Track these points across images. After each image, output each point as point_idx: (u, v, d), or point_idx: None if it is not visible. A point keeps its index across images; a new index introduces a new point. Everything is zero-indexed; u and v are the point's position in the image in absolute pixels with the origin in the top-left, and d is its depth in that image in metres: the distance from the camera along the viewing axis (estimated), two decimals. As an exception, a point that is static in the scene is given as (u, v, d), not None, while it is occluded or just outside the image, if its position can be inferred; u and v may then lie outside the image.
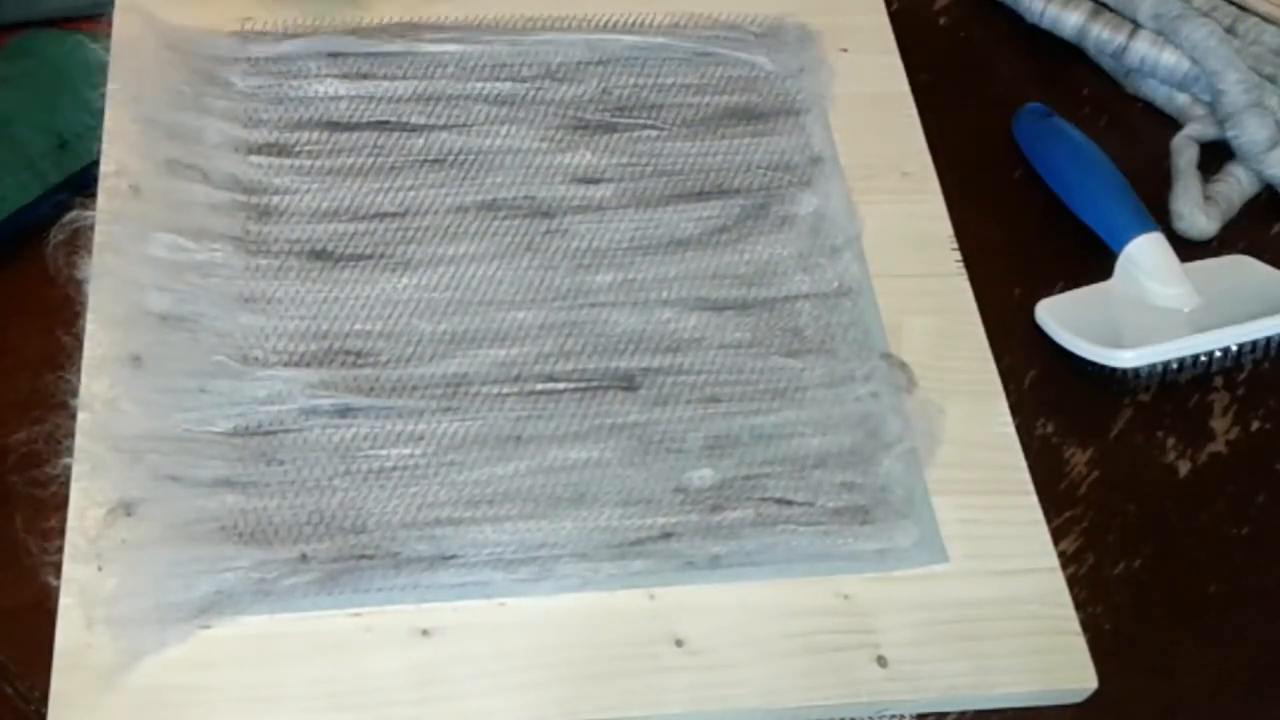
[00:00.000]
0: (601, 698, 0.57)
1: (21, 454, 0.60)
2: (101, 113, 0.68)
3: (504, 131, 0.71)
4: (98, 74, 0.69)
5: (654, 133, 0.73)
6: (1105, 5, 0.81)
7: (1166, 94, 0.81)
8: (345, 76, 0.71)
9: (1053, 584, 0.62)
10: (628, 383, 0.65)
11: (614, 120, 0.73)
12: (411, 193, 0.69)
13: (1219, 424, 0.71)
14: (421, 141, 0.70)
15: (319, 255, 0.66)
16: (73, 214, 0.64)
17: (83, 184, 0.66)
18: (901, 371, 0.66)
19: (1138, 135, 0.81)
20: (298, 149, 0.69)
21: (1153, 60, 0.79)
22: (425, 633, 0.57)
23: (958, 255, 0.71)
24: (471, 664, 0.57)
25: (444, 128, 0.71)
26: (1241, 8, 0.82)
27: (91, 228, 0.64)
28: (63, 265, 0.64)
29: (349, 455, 0.61)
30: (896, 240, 0.71)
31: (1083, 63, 0.83)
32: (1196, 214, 0.75)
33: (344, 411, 0.62)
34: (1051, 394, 0.70)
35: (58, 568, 0.57)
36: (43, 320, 0.63)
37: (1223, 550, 0.67)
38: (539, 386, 0.64)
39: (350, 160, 0.69)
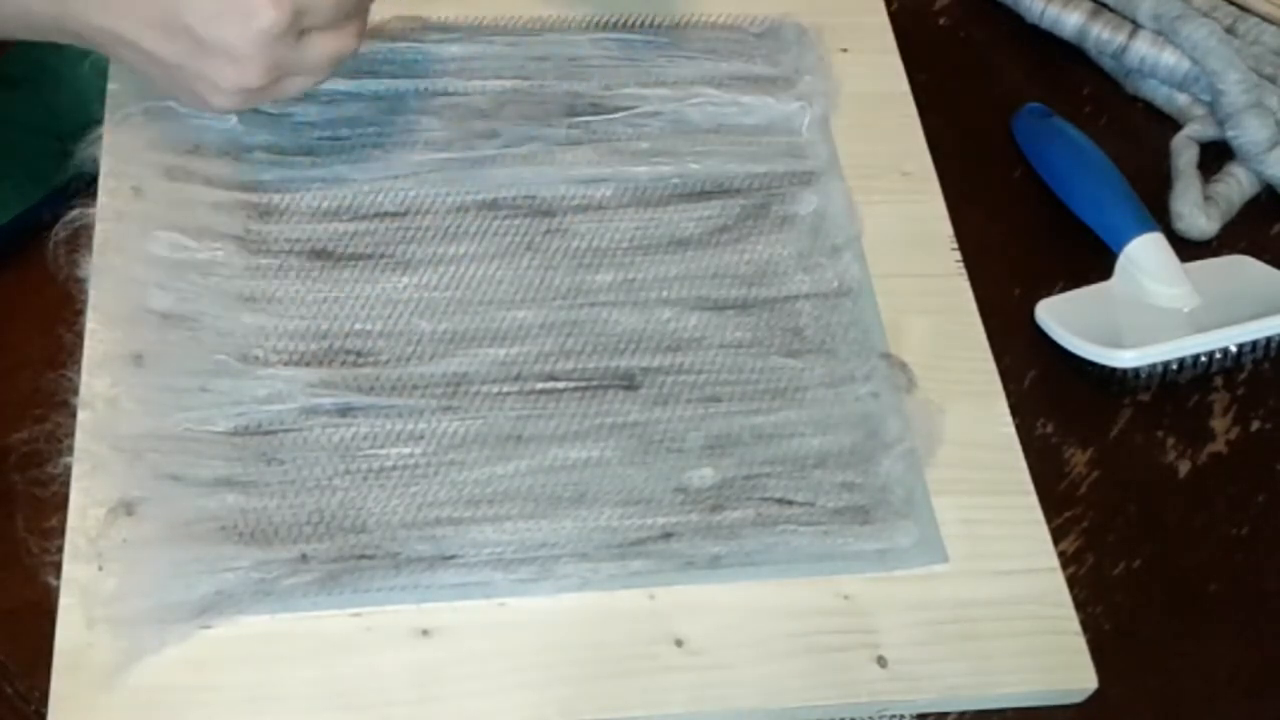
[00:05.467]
0: (601, 698, 0.57)
1: (22, 453, 0.60)
2: (102, 114, 0.68)
3: (505, 130, 0.71)
4: (98, 76, 0.69)
5: (655, 131, 0.73)
6: (1105, 5, 0.82)
7: (1166, 94, 0.81)
8: (347, 75, 0.71)
9: (1053, 584, 0.62)
10: (628, 382, 0.65)
11: (615, 119, 0.73)
12: (412, 192, 0.69)
13: (1219, 424, 0.71)
14: (422, 140, 0.70)
15: (320, 254, 0.66)
16: (74, 213, 0.64)
17: (84, 186, 0.66)
18: (901, 371, 0.66)
19: (1138, 135, 0.81)
20: (301, 147, 0.69)
21: (1153, 60, 0.79)
22: (425, 633, 0.57)
23: (958, 255, 0.71)
24: (471, 664, 0.57)
25: (445, 127, 0.71)
26: (1241, 8, 0.82)
27: (92, 226, 0.64)
28: (64, 264, 0.64)
29: (349, 455, 0.61)
30: (896, 240, 0.71)
31: (1083, 63, 0.83)
32: (1196, 214, 0.75)
33: (344, 411, 0.62)
34: (1051, 394, 0.70)
35: (58, 567, 0.57)
36: (44, 318, 0.63)
37: (1223, 550, 0.67)
38: (539, 386, 0.64)
39: (351, 159, 0.69)
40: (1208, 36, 0.77)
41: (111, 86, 0.69)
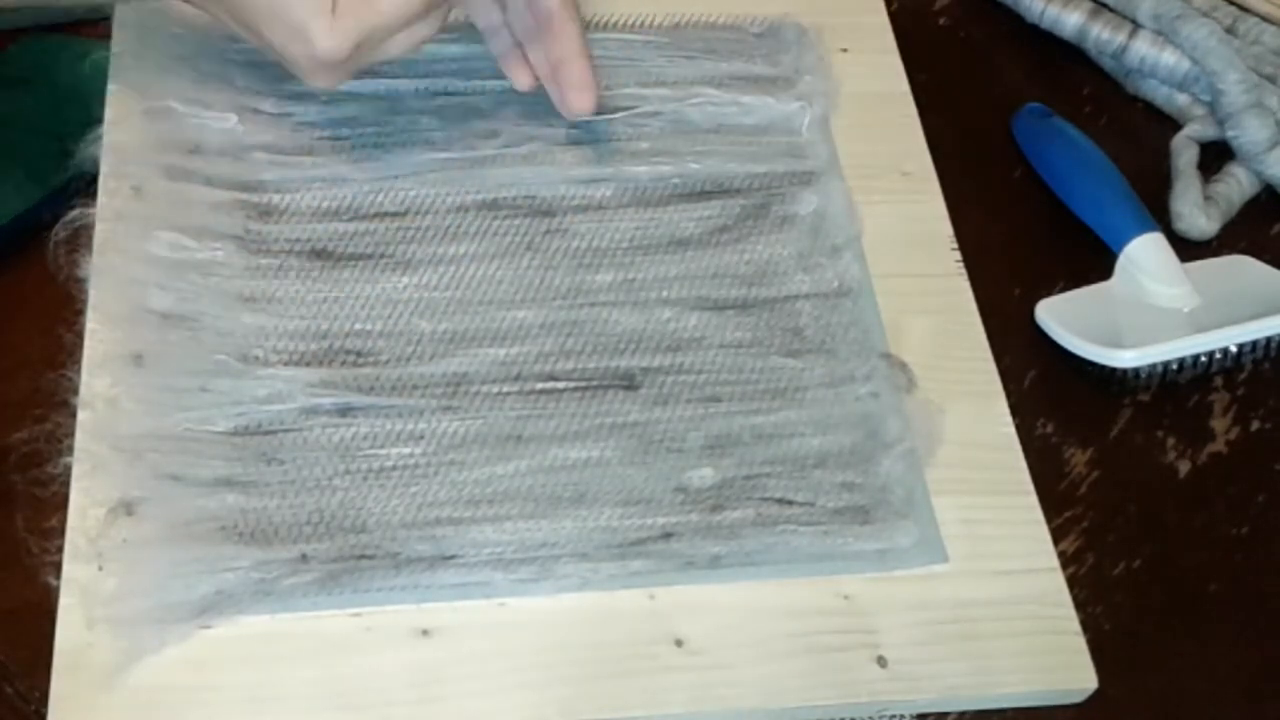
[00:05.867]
0: (601, 698, 0.57)
1: (22, 453, 0.60)
2: (102, 114, 0.68)
3: (505, 130, 0.71)
4: (99, 77, 0.69)
5: (655, 131, 0.73)
6: (1105, 5, 0.82)
7: (1166, 94, 0.81)
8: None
9: (1053, 584, 0.62)
10: (628, 382, 0.65)
11: (615, 119, 0.73)
12: (412, 192, 0.69)
13: (1219, 424, 0.71)
14: (422, 140, 0.70)
15: (320, 254, 0.66)
16: (74, 213, 0.64)
17: (84, 186, 0.66)
18: (901, 371, 0.66)
19: (1138, 135, 0.81)
20: (301, 147, 0.69)
21: (1153, 60, 0.79)
22: (425, 633, 0.57)
23: (958, 255, 0.71)
24: (471, 664, 0.57)
25: (445, 127, 0.71)
26: (1241, 8, 0.82)
27: (92, 226, 0.64)
28: (64, 263, 0.64)
29: (349, 455, 0.61)
30: (896, 240, 0.71)
31: (1083, 63, 0.83)
32: (1196, 214, 0.75)
33: (344, 411, 0.62)
34: (1051, 394, 0.70)
35: (58, 567, 0.57)
36: (44, 318, 0.63)
37: (1222, 550, 0.67)
38: (539, 386, 0.64)
39: (351, 159, 0.69)
40: (1208, 36, 0.77)
41: (111, 86, 0.69)
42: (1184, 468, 0.69)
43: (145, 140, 0.67)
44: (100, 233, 0.64)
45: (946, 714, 0.60)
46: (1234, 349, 0.69)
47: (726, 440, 0.63)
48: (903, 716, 0.59)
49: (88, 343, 0.62)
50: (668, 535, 0.60)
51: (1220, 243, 0.76)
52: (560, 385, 0.64)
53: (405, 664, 0.56)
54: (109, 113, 0.68)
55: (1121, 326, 0.70)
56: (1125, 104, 0.82)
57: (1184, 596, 0.65)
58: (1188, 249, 0.74)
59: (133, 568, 0.56)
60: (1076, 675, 0.60)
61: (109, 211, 0.65)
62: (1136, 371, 0.69)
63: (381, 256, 0.67)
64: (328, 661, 0.56)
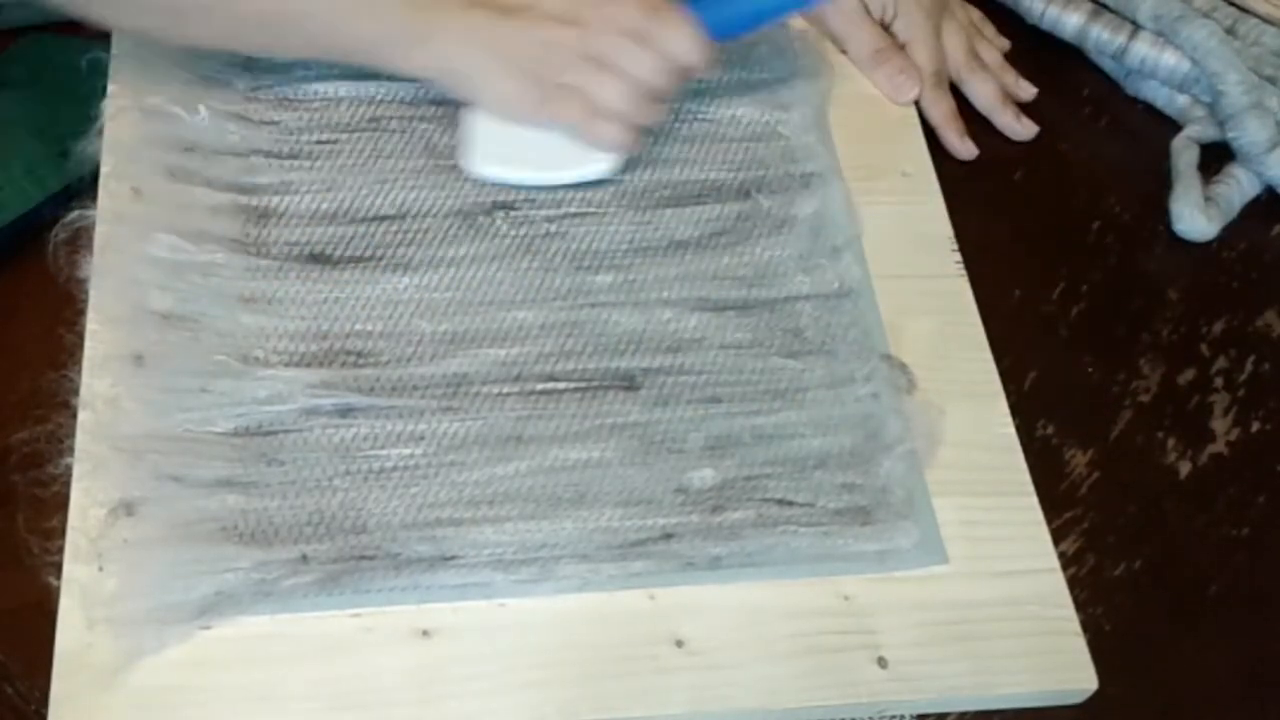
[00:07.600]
0: (601, 698, 0.57)
1: (23, 453, 0.60)
2: (102, 114, 0.68)
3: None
4: (99, 77, 0.69)
5: (653, 136, 0.73)
6: (1105, 6, 0.82)
7: (1167, 95, 0.81)
8: (346, 77, 0.71)
9: (1053, 585, 0.62)
10: (628, 383, 0.65)
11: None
12: (411, 194, 0.69)
13: (1219, 424, 0.71)
14: (422, 143, 0.70)
15: (318, 258, 0.66)
16: (74, 213, 0.64)
17: (85, 187, 0.66)
18: (902, 372, 0.66)
19: (1138, 136, 0.81)
20: (298, 150, 0.69)
21: (1153, 61, 0.79)
22: (425, 633, 0.57)
23: (958, 255, 0.71)
24: (471, 664, 0.57)
25: (445, 130, 0.71)
26: (1241, 9, 0.82)
27: (93, 227, 0.64)
28: (64, 264, 0.64)
29: (349, 455, 0.61)
30: (896, 240, 0.71)
31: (1083, 63, 0.83)
32: (1196, 215, 0.75)
33: (345, 411, 0.62)
34: (1051, 395, 0.70)
35: (58, 568, 0.57)
36: (44, 319, 0.63)
37: (1223, 551, 0.67)
38: (540, 386, 0.64)
39: (350, 162, 0.69)
40: (1208, 37, 0.77)
41: (111, 86, 0.69)
42: (1185, 468, 0.69)
43: (145, 141, 0.67)
44: (101, 233, 0.64)
45: (946, 714, 0.60)
46: None
47: (727, 441, 0.63)
48: (903, 717, 0.59)
49: (88, 343, 0.62)
50: (668, 536, 0.60)
51: (1220, 243, 0.76)
52: (560, 386, 0.64)
53: (405, 664, 0.56)
54: (109, 113, 0.68)
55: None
56: (1125, 105, 0.82)
57: (1184, 597, 0.65)
58: (1188, 250, 0.74)
59: (133, 568, 0.57)
60: (1076, 675, 0.60)
61: (109, 212, 0.65)
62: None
63: (381, 259, 0.67)
64: (328, 661, 0.56)
